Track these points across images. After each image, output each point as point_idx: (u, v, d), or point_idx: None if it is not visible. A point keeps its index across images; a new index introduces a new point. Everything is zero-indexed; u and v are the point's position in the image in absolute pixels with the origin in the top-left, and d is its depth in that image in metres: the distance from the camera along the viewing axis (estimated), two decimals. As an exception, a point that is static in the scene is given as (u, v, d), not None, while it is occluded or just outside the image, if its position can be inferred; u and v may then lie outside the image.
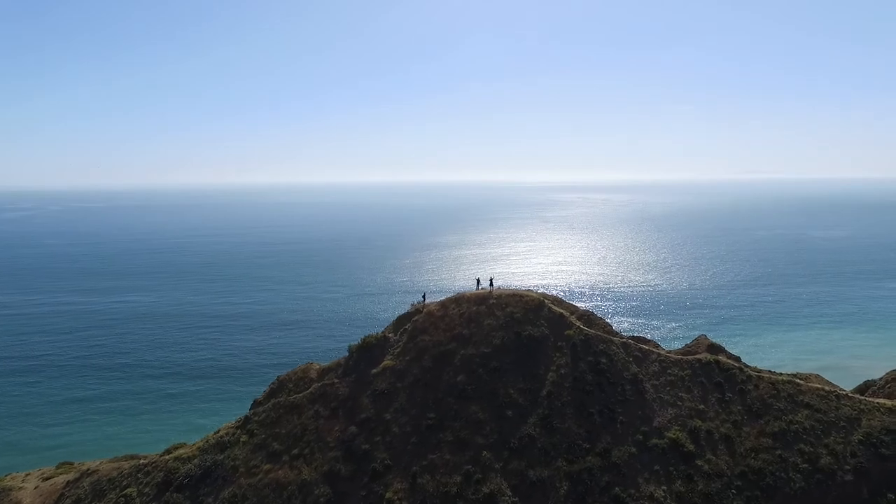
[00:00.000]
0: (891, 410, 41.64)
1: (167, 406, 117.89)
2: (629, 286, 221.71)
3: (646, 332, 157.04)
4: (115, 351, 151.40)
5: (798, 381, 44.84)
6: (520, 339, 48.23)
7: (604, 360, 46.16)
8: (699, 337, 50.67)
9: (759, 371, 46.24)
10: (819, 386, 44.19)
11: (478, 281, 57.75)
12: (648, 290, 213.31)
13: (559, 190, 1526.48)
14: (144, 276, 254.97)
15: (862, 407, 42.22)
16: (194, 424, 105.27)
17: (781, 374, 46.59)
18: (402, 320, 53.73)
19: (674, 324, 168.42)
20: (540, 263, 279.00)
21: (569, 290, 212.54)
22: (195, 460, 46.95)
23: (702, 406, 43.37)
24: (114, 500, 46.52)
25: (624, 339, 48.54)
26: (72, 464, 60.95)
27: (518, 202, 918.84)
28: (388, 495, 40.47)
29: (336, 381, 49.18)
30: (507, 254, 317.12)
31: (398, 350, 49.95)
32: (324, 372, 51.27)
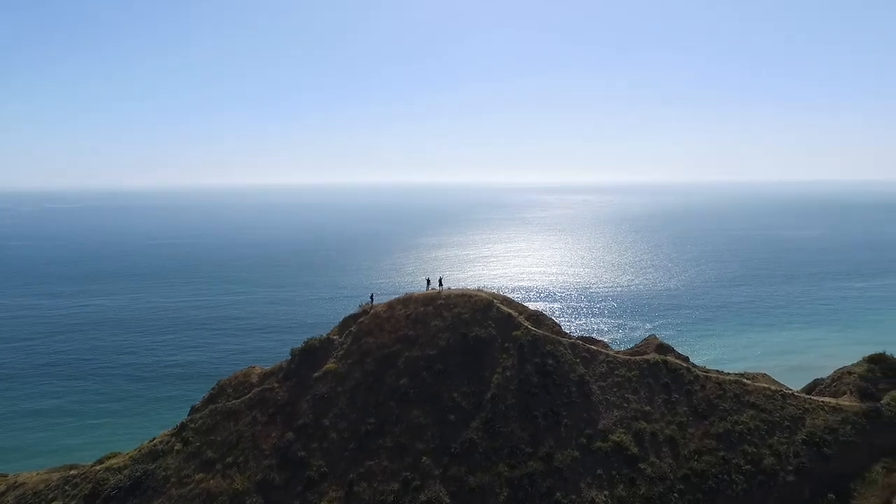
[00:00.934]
0: (834, 409, 41.17)
1: (137, 411, 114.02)
2: (604, 287, 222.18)
3: (620, 334, 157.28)
4: (81, 357, 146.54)
5: (745, 380, 44.20)
6: (466, 341, 46.95)
7: (550, 362, 45.06)
8: (649, 337, 49.89)
9: (707, 371, 45.56)
10: (766, 385, 43.59)
11: (427, 281, 56.36)
12: (623, 291, 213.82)
13: (543, 191, 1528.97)
14: (114, 279, 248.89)
15: (807, 406, 41.71)
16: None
17: (729, 373, 45.98)
18: (347, 322, 52.14)
19: (648, 325, 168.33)
20: (517, 265, 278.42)
21: (543, 291, 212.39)
22: (126, 470, 44.80)
23: (648, 408, 42.47)
24: (37, 514, 44.18)
25: (572, 340, 47.53)
26: (5, 475, 58.07)
27: (501, 204, 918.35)
28: (321, 504, 38.85)
29: (276, 385, 47.40)
30: (485, 255, 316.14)
31: (341, 353, 48.34)
32: (265, 376, 49.44)
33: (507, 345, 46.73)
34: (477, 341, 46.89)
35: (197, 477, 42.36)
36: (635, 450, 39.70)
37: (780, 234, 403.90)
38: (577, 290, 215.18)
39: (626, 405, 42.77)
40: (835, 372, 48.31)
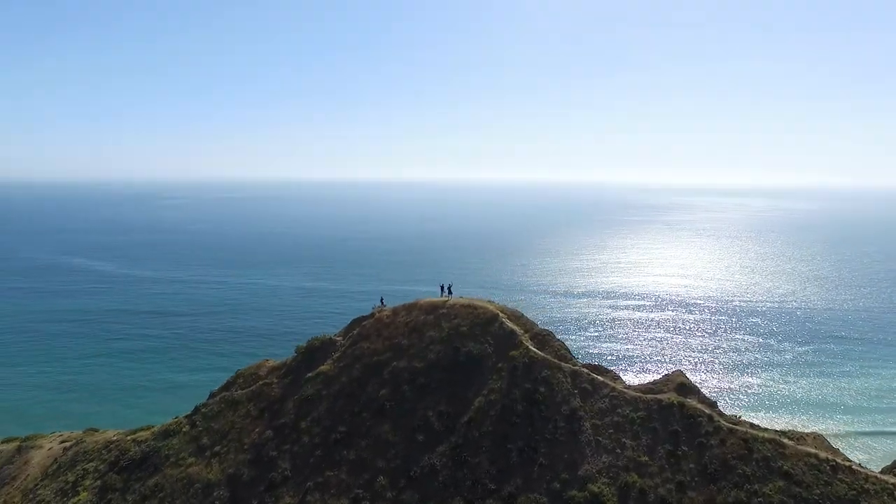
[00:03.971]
0: (907, 498, 30.51)
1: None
2: (750, 301, 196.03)
3: (761, 355, 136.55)
4: (223, 337, 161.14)
5: (785, 440, 34.75)
6: (457, 356, 43.45)
7: (542, 389, 39.81)
8: (673, 372, 41.63)
9: (737, 423, 36.70)
10: (812, 451, 33.83)
11: (441, 288, 53.30)
12: (775, 308, 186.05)
13: (689, 193, 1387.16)
14: (269, 263, 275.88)
15: (866, 486, 31.56)
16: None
17: (766, 429, 36.55)
18: (353, 324, 51.35)
19: (800, 348, 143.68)
20: (655, 273, 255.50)
21: (679, 301, 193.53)
22: (143, 444, 48.87)
23: (645, 458, 35.43)
24: (77, 472, 50.10)
25: (575, 367, 41.45)
26: (95, 430, 67.07)
27: (641, 205, 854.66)
28: (275, 508, 38.53)
29: (274, 381, 48.29)
30: (618, 261, 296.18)
31: (337, 355, 47.72)
32: (271, 370, 50.65)
33: (500, 365, 42.34)
34: (468, 357, 43.15)
35: (189, 461, 44.68)
36: (614, 507, 33.29)
37: None
38: (718, 303, 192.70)
39: (619, 451, 36.13)
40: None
